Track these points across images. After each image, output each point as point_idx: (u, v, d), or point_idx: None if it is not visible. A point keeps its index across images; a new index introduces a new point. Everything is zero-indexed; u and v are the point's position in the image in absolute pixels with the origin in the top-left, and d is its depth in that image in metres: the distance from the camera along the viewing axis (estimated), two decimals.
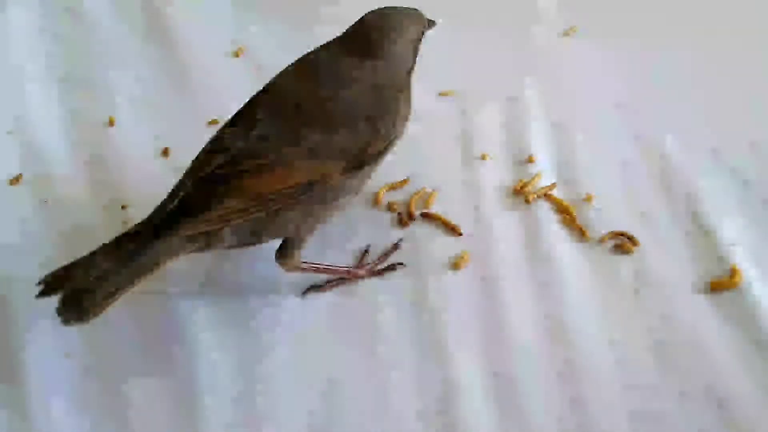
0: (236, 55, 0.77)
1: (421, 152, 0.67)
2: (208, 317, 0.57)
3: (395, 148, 0.58)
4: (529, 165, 0.68)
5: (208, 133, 0.60)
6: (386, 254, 0.60)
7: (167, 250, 0.50)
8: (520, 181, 0.66)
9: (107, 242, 0.51)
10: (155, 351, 0.56)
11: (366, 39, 0.55)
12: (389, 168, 0.62)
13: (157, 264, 0.50)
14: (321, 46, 0.57)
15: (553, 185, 0.66)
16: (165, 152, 0.68)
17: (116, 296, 0.49)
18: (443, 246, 0.62)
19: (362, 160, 0.54)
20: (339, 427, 0.52)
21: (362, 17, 0.57)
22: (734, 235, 0.61)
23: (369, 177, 0.57)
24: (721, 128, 0.69)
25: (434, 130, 0.69)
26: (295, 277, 0.58)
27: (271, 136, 0.52)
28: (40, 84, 0.74)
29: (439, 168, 0.67)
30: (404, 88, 0.57)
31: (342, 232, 0.62)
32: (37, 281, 0.49)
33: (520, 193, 0.65)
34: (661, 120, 0.70)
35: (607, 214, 0.64)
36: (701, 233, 0.62)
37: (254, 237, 0.53)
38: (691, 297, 0.58)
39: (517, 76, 0.74)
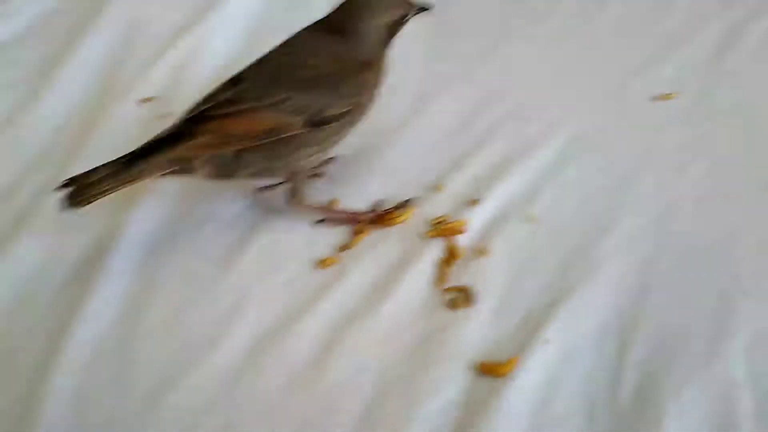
0: None
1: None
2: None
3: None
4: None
5: None
6: (393, 209, 0.68)
7: (151, 168, 0.62)
8: (442, 217, 0.68)
9: (114, 159, 0.64)
10: None
11: (339, 19, 0.65)
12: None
13: (141, 177, 0.62)
14: (307, 26, 0.66)
15: (461, 225, 0.66)
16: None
17: (105, 194, 0.63)
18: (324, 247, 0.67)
19: (323, 118, 0.63)
20: None
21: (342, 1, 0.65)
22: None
23: (337, 136, 0.65)
24: None
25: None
26: None
27: (248, 91, 0.63)
28: None
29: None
30: (374, 61, 0.65)
31: None
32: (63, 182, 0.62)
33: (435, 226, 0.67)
34: None
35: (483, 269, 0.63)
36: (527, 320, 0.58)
37: (226, 171, 0.64)
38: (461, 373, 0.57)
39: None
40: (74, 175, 0.63)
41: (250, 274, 0.65)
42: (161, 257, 0.67)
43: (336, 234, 0.68)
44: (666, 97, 0.77)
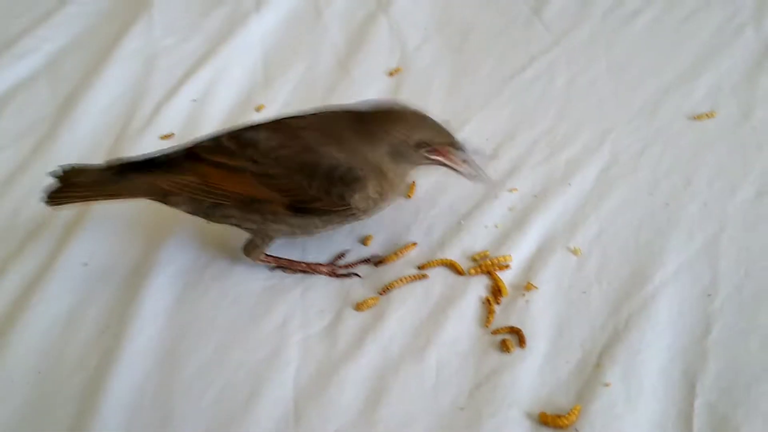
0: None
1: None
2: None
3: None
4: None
5: None
6: (353, 264, 0.66)
7: (133, 189, 0.62)
8: (483, 252, 0.65)
9: (106, 163, 0.63)
10: None
11: (370, 118, 0.61)
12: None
13: (121, 195, 0.63)
14: (344, 108, 0.63)
15: (505, 260, 0.64)
16: None
17: (82, 202, 0.65)
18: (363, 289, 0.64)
19: (307, 207, 0.61)
20: None
21: (388, 106, 0.62)
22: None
23: (317, 229, 0.63)
24: None
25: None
26: None
27: (248, 151, 0.61)
28: None
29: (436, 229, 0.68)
30: (387, 173, 0.61)
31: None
32: (56, 171, 0.63)
33: (476, 261, 0.65)
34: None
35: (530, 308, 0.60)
36: (584, 361, 0.55)
37: (201, 213, 0.63)
38: (519, 423, 0.54)
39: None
40: (69, 164, 0.63)
41: (288, 319, 0.62)
42: (192, 303, 0.64)
43: (375, 274, 0.65)
44: (704, 116, 0.74)
